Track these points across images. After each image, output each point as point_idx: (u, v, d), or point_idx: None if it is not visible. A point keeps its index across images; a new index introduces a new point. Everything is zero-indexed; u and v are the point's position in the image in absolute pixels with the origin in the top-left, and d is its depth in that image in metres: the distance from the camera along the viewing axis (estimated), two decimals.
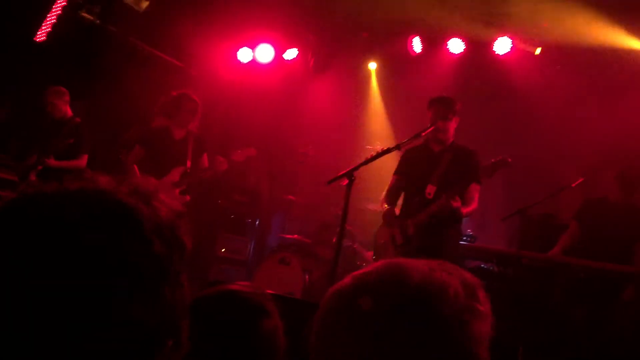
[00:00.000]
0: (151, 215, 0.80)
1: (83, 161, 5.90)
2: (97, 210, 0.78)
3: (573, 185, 5.47)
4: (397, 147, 4.38)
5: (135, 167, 5.55)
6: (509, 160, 4.40)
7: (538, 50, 6.24)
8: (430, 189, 4.65)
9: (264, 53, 7.74)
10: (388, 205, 5.01)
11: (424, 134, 4.59)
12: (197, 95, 5.83)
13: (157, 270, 0.78)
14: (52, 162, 5.68)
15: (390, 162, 5.03)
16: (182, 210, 0.85)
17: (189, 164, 5.57)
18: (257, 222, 7.97)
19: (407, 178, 4.91)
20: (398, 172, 5.01)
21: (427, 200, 4.61)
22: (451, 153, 4.73)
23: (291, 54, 7.66)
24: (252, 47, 7.79)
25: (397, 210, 4.97)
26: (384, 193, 5.18)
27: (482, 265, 5.27)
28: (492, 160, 4.45)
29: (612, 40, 5.89)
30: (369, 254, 6.53)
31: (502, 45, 6.41)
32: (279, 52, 7.71)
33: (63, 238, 0.74)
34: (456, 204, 4.36)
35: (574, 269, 4.98)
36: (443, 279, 0.96)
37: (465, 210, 4.48)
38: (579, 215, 5.30)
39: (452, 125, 4.75)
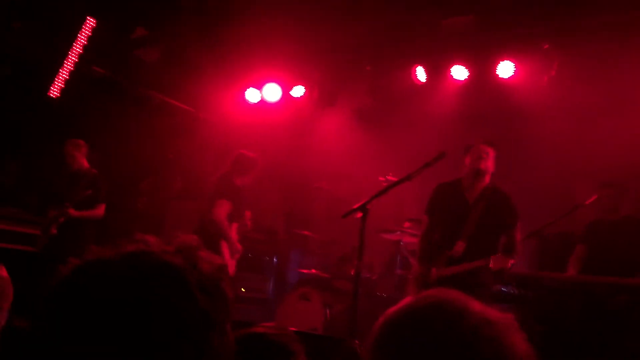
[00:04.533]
0: (195, 272, 0.90)
1: (101, 210, 6.03)
2: (147, 272, 0.87)
3: (587, 202, 5.48)
4: (408, 178, 4.42)
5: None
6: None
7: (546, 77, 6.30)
8: (460, 246, 4.55)
9: (271, 92, 7.87)
10: (420, 262, 4.79)
11: (433, 162, 4.61)
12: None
13: (203, 322, 0.87)
14: (72, 212, 5.80)
15: (404, 191, 5.02)
16: (223, 264, 0.94)
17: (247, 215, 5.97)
18: (275, 260, 8.00)
19: (440, 221, 4.82)
20: (430, 212, 4.90)
21: (454, 257, 4.54)
22: (485, 201, 4.63)
23: (298, 91, 7.77)
24: (259, 87, 7.92)
25: None
26: (419, 240, 5.00)
27: (503, 289, 5.25)
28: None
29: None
30: (390, 285, 6.53)
31: (505, 69, 6.47)
32: (286, 90, 7.84)
33: (118, 301, 0.84)
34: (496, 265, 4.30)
35: (596, 288, 4.96)
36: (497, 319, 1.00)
37: (511, 262, 4.39)
38: (586, 237, 5.30)
39: (491, 168, 4.67)
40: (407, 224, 6.52)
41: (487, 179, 4.73)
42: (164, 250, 0.91)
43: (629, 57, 5.97)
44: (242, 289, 7.37)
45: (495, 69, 6.50)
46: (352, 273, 6.13)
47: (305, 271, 7.06)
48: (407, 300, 1.06)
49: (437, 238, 4.79)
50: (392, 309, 1.07)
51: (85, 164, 6.20)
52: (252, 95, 7.97)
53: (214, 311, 0.89)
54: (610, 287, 4.90)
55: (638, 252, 5.04)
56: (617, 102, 6.21)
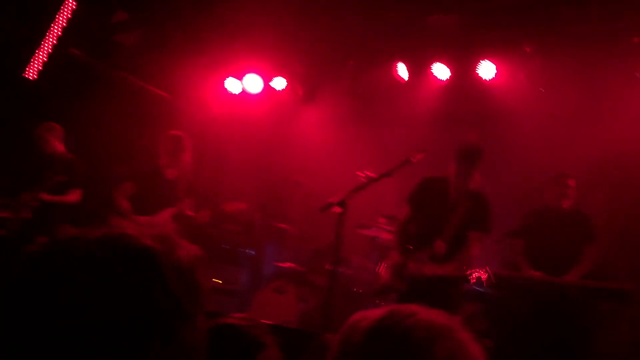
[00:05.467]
0: (171, 259, 0.86)
1: (76, 196, 5.92)
2: (123, 253, 0.84)
3: (550, 204, 5.57)
4: (387, 174, 4.43)
5: (126, 203, 5.55)
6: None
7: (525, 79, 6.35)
8: (440, 247, 4.59)
9: (252, 83, 7.81)
10: (399, 249, 4.83)
11: (414, 159, 4.61)
12: (187, 127, 5.88)
13: (175, 310, 0.84)
14: (45, 196, 5.69)
15: (383, 187, 5.03)
16: (201, 254, 0.92)
17: (180, 206, 5.55)
18: (250, 252, 7.96)
19: (420, 214, 4.85)
20: (411, 201, 4.92)
21: (434, 256, 4.58)
22: (467, 204, 4.66)
23: (279, 83, 7.72)
24: (240, 77, 7.86)
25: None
26: (396, 228, 5.07)
27: (477, 288, 5.29)
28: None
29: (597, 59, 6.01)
30: (367, 280, 6.54)
31: (487, 70, 6.50)
32: (267, 81, 7.78)
33: (92, 279, 0.81)
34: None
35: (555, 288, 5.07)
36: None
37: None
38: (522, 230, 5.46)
39: (476, 175, 4.68)
40: (382, 220, 6.52)
41: (475, 182, 4.73)
42: (142, 234, 0.88)
43: (607, 64, 6.06)
44: (218, 280, 7.33)
45: (476, 70, 6.53)
46: (328, 267, 6.13)
47: (280, 264, 7.04)
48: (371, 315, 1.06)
49: (415, 231, 4.81)
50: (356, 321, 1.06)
51: (60, 147, 6.09)
52: (232, 85, 7.90)
53: (187, 300, 0.86)
54: (578, 289, 5.01)
55: (578, 245, 5.20)
56: (594, 107, 6.30)
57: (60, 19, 6.64)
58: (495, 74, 6.49)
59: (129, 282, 0.81)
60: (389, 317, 1.02)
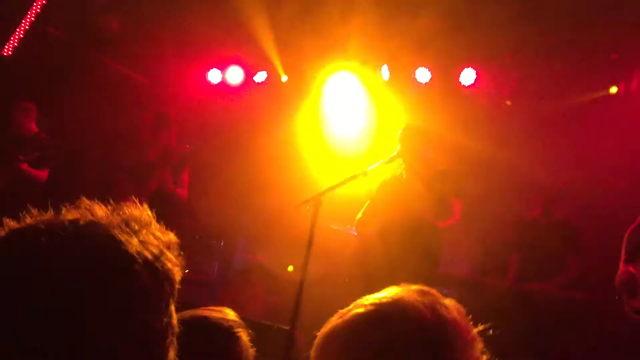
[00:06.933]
0: (142, 250, 0.83)
1: (44, 174, 5.82)
2: (89, 245, 0.81)
3: (534, 215, 5.68)
4: (364, 173, 4.45)
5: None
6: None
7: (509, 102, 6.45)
8: None
9: (234, 75, 7.77)
10: (362, 234, 5.00)
11: (390, 159, 4.66)
12: (167, 112, 5.81)
13: (146, 303, 0.82)
14: (25, 166, 5.60)
15: (358, 185, 5.07)
16: (174, 241, 0.88)
17: (160, 184, 5.45)
18: (221, 243, 7.92)
19: (384, 208, 4.93)
20: (375, 198, 5.04)
21: None
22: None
23: (261, 76, 7.70)
24: (222, 68, 7.81)
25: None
26: (357, 217, 5.20)
27: (445, 291, 5.36)
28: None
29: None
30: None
31: (468, 77, 6.58)
32: (249, 74, 7.76)
33: (57, 272, 0.77)
34: None
35: (533, 295, 5.17)
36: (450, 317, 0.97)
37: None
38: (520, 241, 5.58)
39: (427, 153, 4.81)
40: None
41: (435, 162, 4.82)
42: (110, 221, 0.85)
43: (586, 75, 6.18)
44: (186, 270, 7.27)
45: (458, 76, 6.60)
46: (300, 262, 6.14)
47: (251, 257, 7.02)
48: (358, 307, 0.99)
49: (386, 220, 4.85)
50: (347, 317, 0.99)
51: (33, 128, 5.98)
52: (214, 76, 7.85)
53: (159, 292, 0.84)
54: (546, 297, 5.12)
55: (561, 256, 5.33)
56: (573, 118, 6.41)
57: None
58: (475, 81, 6.57)
59: (96, 276, 0.78)
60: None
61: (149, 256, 0.84)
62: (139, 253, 0.82)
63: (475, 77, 6.57)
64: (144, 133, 5.61)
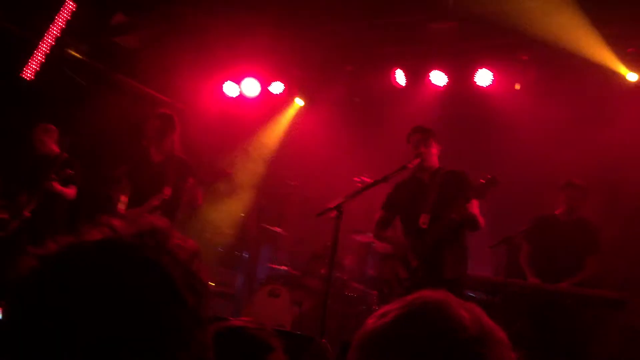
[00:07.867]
0: (178, 268, 0.84)
1: (73, 192, 5.90)
2: (128, 270, 0.81)
3: (557, 212, 5.62)
4: (384, 180, 4.46)
5: (124, 198, 5.47)
6: (498, 179, 4.32)
7: (517, 86, 6.40)
8: (424, 218, 4.58)
9: (250, 87, 7.82)
10: (379, 241, 5.03)
11: (410, 165, 4.64)
12: (184, 130, 5.81)
13: (192, 321, 0.83)
14: (56, 185, 5.70)
15: (379, 193, 5.08)
16: (197, 249, 0.88)
17: (167, 190, 5.11)
18: (245, 254, 7.97)
19: (400, 212, 4.87)
20: (385, 206, 4.96)
21: (422, 229, 4.57)
22: (440, 178, 4.71)
23: (277, 87, 7.74)
24: (238, 81, 7.87)
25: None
26: (373, 228, 5.15)
27: (470, 294, 5.33)
28: (481, 180, 4.36)
29: (596, 64, 6.04)
30: (359, 286, 6.56)
31: (483, 77, 6.55)
32: (265, 86, 7.80)
33: (101, 304, 0.77)
34: (464, 212, 4.35)
35: (561, 296, 5.11)
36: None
37: (481, 219, 4.47)
38: (532, 234, 5.51)
39: (434, 150, 4.78)
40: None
41: (435, 161, 4.79)
42: (136, 237, 0.84)
43: (600, 75, 6.12)
44: (211, 283, 7.34)
45: (473, 77, 6.57)
46: (323, 272, 6.16)
47: (275, 267, 7.05)
48: (393, 307, 1.00)
49: (404, 224, 4.82)
50: (378, 319, 1.00)
51: (55, 149, 6.09)
52: (230, 89, 7.92)
53: (201, 308, 0.85)
54: (571, 296, 5.06)
55: (581, 255, 5.27)
56: (588, 116, 6.36)
57: (59, 20, 6.65)
58: (492, 81, 6.54)
59: (143, 302, 0.79)
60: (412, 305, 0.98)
61: (187, 274, 0.84)
62: (177, 272, 0.83)
63: (492, 77, 6.54)
64: (149, 135, 5.44)
